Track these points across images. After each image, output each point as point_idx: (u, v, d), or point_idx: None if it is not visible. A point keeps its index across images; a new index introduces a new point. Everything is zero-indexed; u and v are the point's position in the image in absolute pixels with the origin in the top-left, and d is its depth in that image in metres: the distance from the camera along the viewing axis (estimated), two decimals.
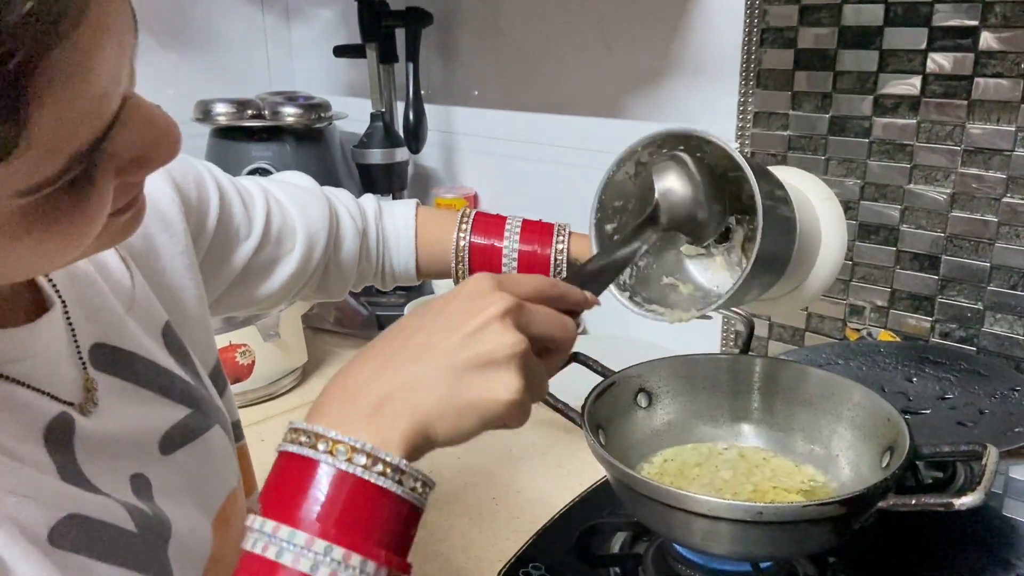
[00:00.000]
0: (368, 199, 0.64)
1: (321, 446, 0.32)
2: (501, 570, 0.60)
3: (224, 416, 0.48)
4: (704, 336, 0.96)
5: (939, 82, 0.76)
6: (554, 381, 0.55)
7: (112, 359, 0.40)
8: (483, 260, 0.60)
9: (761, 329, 0.93)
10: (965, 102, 0.75)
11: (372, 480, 0.32)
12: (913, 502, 0.43)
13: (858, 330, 0.85)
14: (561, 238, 0.61)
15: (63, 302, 0.38)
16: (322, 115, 1.20)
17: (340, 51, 1.20)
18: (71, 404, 0.36)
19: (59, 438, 0.35)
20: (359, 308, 1.14)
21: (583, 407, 0.53)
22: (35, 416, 0.34)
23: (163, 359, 0.43)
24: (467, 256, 0.60)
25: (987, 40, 0.72)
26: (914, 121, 0.78)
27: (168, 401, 0.42)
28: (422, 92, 1.16)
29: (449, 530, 0.71)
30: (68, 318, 0.38)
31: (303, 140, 1.19)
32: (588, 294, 0.43)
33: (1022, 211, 0.74)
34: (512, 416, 0.35)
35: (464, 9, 1.18)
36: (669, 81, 0.96)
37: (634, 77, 1.00)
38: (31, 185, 0.25)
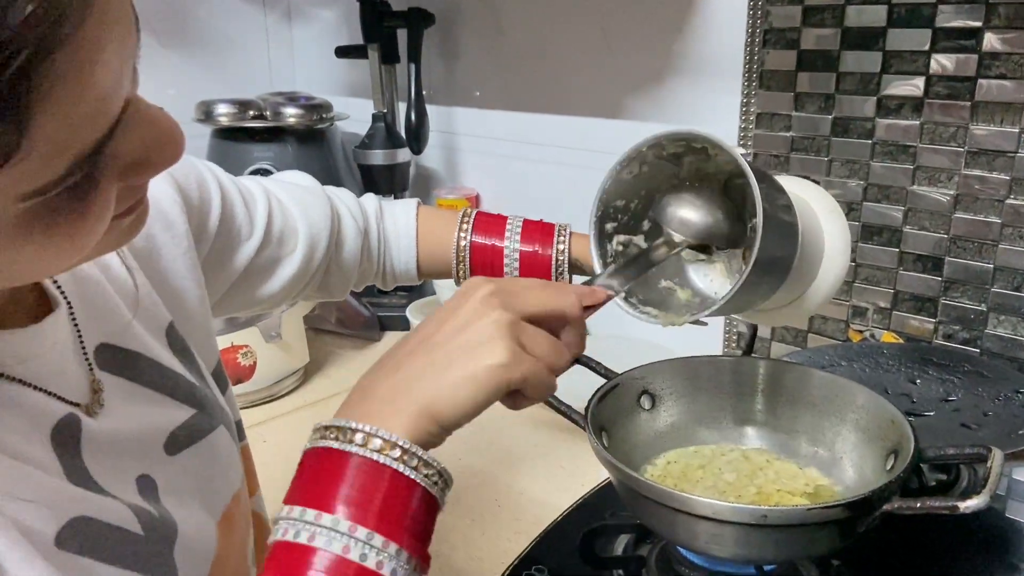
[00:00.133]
0: (369, 199, 0.64)
1: (341, 436, 0.34)
2: (504, 572, 0.60)
3: (228, 416, 0.48)
4: (707, 338, 0.96)
5: (942, 83, 0.76)
6: (558, 382, 0.56)
7: (118, 360, 0.40)
8: (484, 260, 0.60)
9: (764, 330, 0.93)
10: (968, 103, 0.74)
11: (389, 464, 0.34)
12: (918, 505, 0.43)
13: (861, 332, 0.85)
14: (562, 238, 0.61)
15: (68, 303, 0.38)
16: (324, 116, 1.20)
17: (342, 52, 1.20)
18: (78, 405, 0.36)
19: (66, 439, 0.35)
20: (361, 309, 1.14)
21: (586, 409, 0.53)
22: (42, 417, 0.34)
23: (167, 360, 0.43)
24: (468, 256, 0.60)
25: (990, 41, 0.72)
26: (917, 122, 0.78)
27: (173, 402, 0.42)
28: (423, 92, 1.16)
29: (451, 531, 0.71)
30: (74, 319, 0.38)
31: (305, 141, 1.19)
32: (595, 288, 0.45)
33: None
34: (514, 379, 0.36)
35: (466, 9, 1.18)
36: (671, 82, 0.96)
37: (636, 78, 1.00)
38: (34, 188, 0.25)
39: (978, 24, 0.72)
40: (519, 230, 0.61)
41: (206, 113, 1.16)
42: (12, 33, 0.22)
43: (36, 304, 0.37)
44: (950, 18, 0.74)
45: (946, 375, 0.70)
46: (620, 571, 0.58)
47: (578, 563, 0.58)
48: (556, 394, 0.54)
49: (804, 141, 0.85)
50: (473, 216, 0.61)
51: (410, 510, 0.34)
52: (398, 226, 0.62)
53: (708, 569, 0.53)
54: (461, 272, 0.61)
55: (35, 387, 0.34)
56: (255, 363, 0.94)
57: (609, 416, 0.55)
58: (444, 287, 1.10)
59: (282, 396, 0.99)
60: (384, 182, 1.17)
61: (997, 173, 0.74)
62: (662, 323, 0.49)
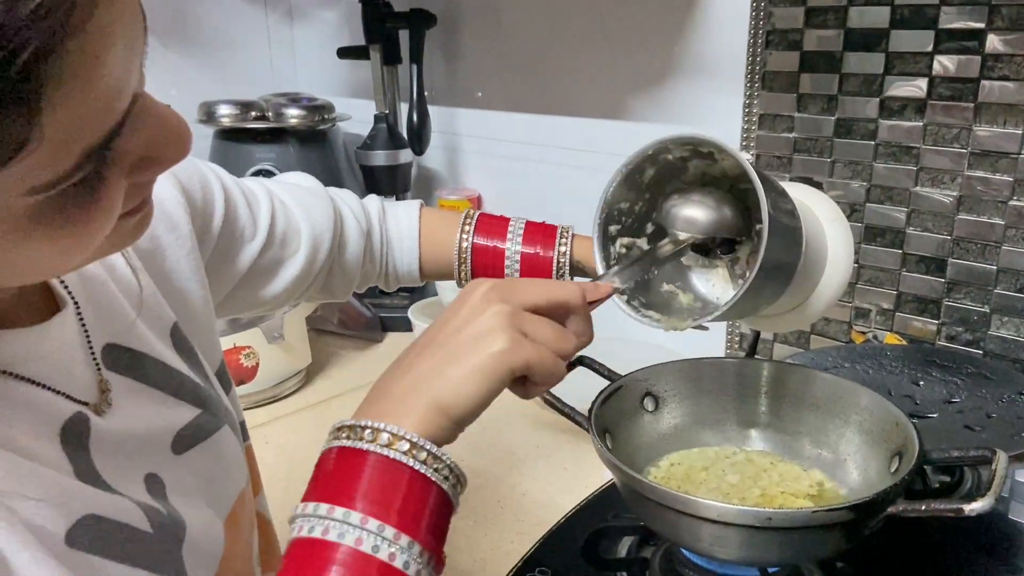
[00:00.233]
0: (372, 200, 0.64)
1: (351, 434, 0.35)
2: (508, 573, 0.60)
3: (232, 417, 0.48)
4: (709, 340, 0.96)
5: (945, 85, 0.75)
6: (560, 385, 0.56)
7: (124, 360, 0.40)
8: (486, 262, 0.60)
9: (766, 332, 0.93)
10: (972, 105, 0.74)
11: (399, 459, 0.34)
12: (923, 508, 0.43)
13: (864, 333, 0.85)
14: (564, 240, 0.61)
15: (75, 303, 0.38)
16: (325, 117, 1.20)
17: (344, 53, 1.20)
18: (86, 404, 0.36)
19: (75, 438, 0.35)
20: (363, 310, 1.14)
21: (590, 411, 0.53)
22: (51, 416, 0.34)
23: (173, 360, 0.43)
24: (469, 257, 0.60)
25: (993, 43, 0.72)
26: (920, 124, 0.78)
27: (179, 402, 0.43)
28: (425, 93, 1.16)
29: (453, 532, 0.70)
30: (81, 319, 0.38)
31: (307, 142, 1.20)
32: (599, 283, 0.46)
33: None
34: (518, 365, 0.37)
35: (467, 10, 1.18)
36: (673, 83, 0.96)
37: (638, 79, 1.00)
38: (43, 182, 0.25)
39: (981, 25, 0.72)
40: (521, 232, 0.61)
41: (208, 114, 1.16)
42: (21, 24, 0.22)
43: (44, 304, 0.37)
44: (953, 19, 0.74)
45: (949, 377, 0.70)
46: (624, 573, 0.58)
47: (582, 565, 0.58)
48: (560, 396, 0.55)
49: (807, 142, 0.85)
50: (475, 218, 0.61)
51: (422, 505, 0.34)
52: (401, 227, 0.62)
53: (712, 571, 0.53)
54: (463, 273, 0.61)
55: (44, 386, 0.34)
56: (258, 364, 0.94)
57: (612, 418, 0.55)
58: (446, 288, 1.10)
59: (284, 397, 0.99)
60: (386, 183, 1.17)
61: (1000, 174, 0.74)
62: (665, 327, 0.49)
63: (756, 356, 0.64)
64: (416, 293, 1.17)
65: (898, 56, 0.77)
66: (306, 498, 0.35)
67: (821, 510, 0.42)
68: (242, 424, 0.51)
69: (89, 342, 0.38)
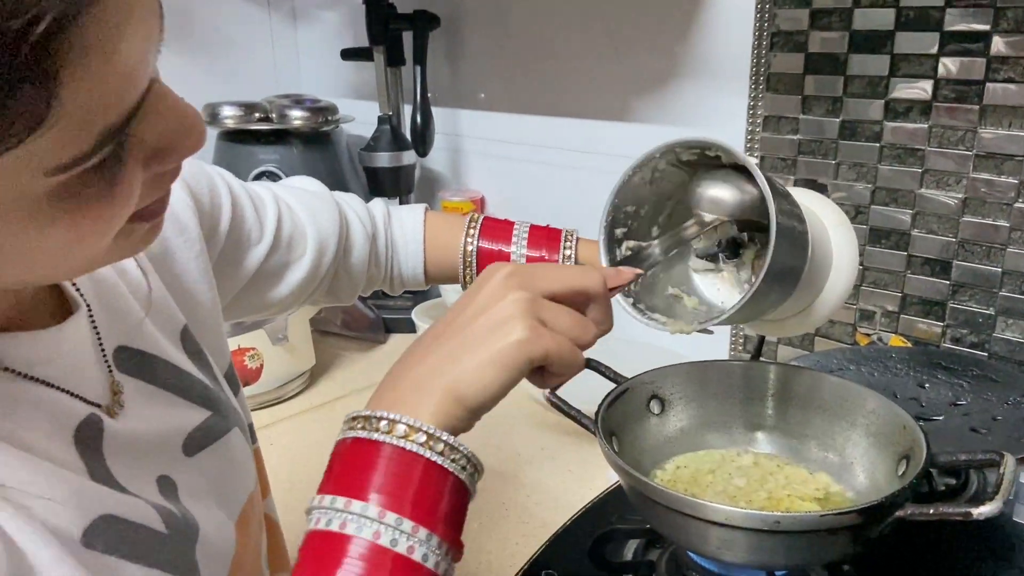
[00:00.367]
0: (377, 204, 0.64)
1: (367, 425, 0.35)
2: (515, 575, 0.60)
3: (241, 419, 0.48)
4: (713, 342, 0.96)
5: (950, 87, 0.75)
6: (566, 387, 0.56)
7: (136, 362, 0.40)
8: (490, 265, 0.60)
9: (771, 336, 0.93)
10: (976, 107, 0.74)
11: (414, 450, 0.34)
12: (931, 512, 0.43)
13: (868, 335, 0.85)
14: (568, 244, 0.61)
15: (87, 305, 0.38)
16: (329, 118, 1.20)
17: (347, 54, 1.20)
18: (99, 406, 0.36)
19: (88, 439, 0.35)
20: (366, 311, 1.14)
21: (597, 414, 0.53)
22: (65, 417, 0.34)
23: (183, 362, 0.44)
24: (474, 261, 0.60)
25: (998, 45, 0.72)
26: (925, 125, 0.78)
27: (189, 404, 0.43)
28: (429, 95, 1.16)
29: None
30: (93, 321, 0.38)
31: (310, 143, 1.20)
32: (621, 268, 0.46)
33: None
34: (537, 355, 0.36)
35: (471, 12, 1.18)
36: (678, 84, 0.96)
37: (642, 80, 1.00)
38: (62, 162, 0.25)
39: (986, 28, 0.72)
40: (525, 235, 0.61)
41: (212, 115, 1.16)
42: None
43: (57, 307, 0.37)
44: (958, 22, 0.74)
45: (955, 379, 0.70)
46: None
47: (588, 567, 0.58)
48: (566, 398, 0.55)
49: (811, 144, 0.85)
50: (480, 221, 0.61)
51: (439, 496, 0.34)
52: (405, 231, 0.62)
53: (719, 574, 0.53)
54: (468, 277, 0.61)
55: (58, 388, 0.35)
56: (262, 365, 0.94)
57: (619, 421, 0.55)
58: (450, 290, 1.10)
59: (288, 399, 0.99)
60: (389, 184, 1.17)
61: (1005, 177, 0.74)
62: (670, 330, 0.49)
63: (761, 359, 0.64)
64: (420, 295, 1.17)
65: (903, 58, 0.78)
66: (322, 490, 0.34)
67: (830, 514, 0.42)
68: (250, 426, 0.51)
69: (101, 344, 0.38)
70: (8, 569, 0.28)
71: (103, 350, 0.38)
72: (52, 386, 0.34)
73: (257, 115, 1.17)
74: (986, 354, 0.78)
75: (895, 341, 0.82)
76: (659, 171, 0.51)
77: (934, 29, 0.75)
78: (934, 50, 0.75)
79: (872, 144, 0.81)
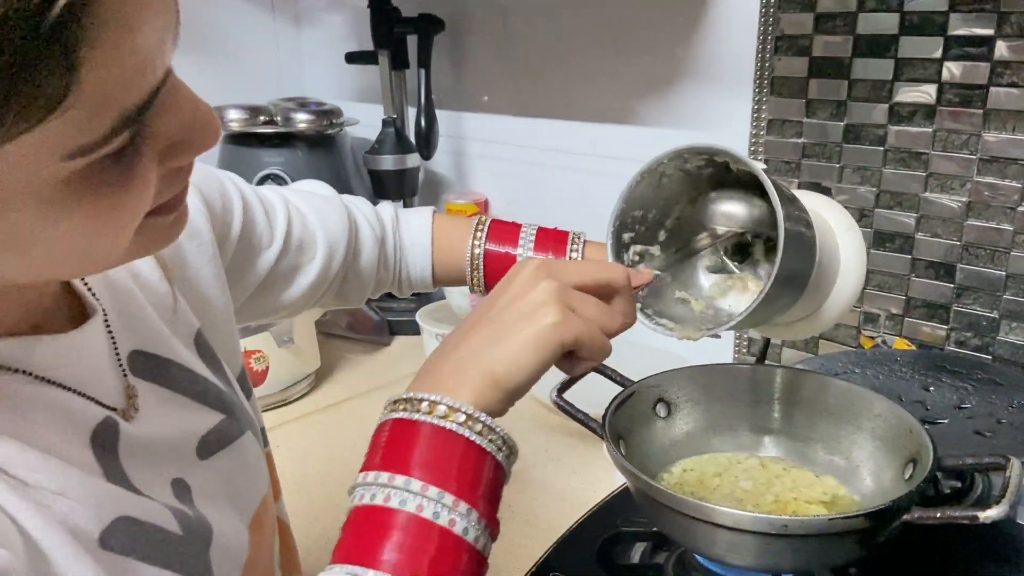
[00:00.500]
0: (386, 207, 0.64)
1: (407, 407, 0.36)
2: None
3: (254, 421, 0.48)
4: (718, 345, 0.96)
5: (954, 91, 0.76)
6: (572, 390, 0.56)
7: (150, 366, 0.41)
8: (498, 268, 0.60)
9: (776, 339, 0.93)
10: (980, 111, 0.75)
11: (454, 429, 0.35)
12: (938, 515, 0.43)
13: (873, 338, 0.85)
14: (575, 246, 0.61)
15: (103, 310, 0.38)
16: (333, 121, 1.21)
17: (352, 57, 1.21)
18: (115, 409, 0.37)
19: (105, 442, 0.35)
20: (370, 313, 1.14)
21: (604, 417, 0.53)
22: (82, 420, 0.35)
23: (197, 366, 0.44)
24: (482, 264, 0.61)
25: (1002, 49, 0.72)
26: (929, 129, 0.78)
27: (203, 407, 0.43)
28: (433, 98, 1.16)
29: None
30: (108, 326, 0.38)
31: (315, 146, 1.20)
32: (642, 270, 0.47)
33: None
34: (569, 339, 0.38)
35: (475, 15, 1.18)
36: (682, 88, 0.96)
37: (646, 83, 1.00)
38: (79, 146, 0.26)
39: (990, 32, 0.73)
40: (533, 238, 0.61)
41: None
42: None
43: (73, 311, 0.37)
44: (962, 26, 0.74)
45: (959, 382, 0.70)
46: None
47: (596, 570, 0.58)
48: (573, 402, 0.55)
49: (815, 147, 0.86)
50: (487, 224, 0.62)
51: (478, 474, 0.35)
52: (413, 234, 0.62)
53: None
54: (475, 280, 0.61)
55: (75, 391, 0.35)
56: (267, 368, 0.95)
57: (625, 424, 0.55)
58: (454, 292, 1.11)
59: (294, 401, 1.00)
60: (393, 187, 1.18)
61: (1009, 180, 0.75)
62: (678, 336, 0.50)
63: (765, 362, 0.64)
64: (424, 297, 1.18)
65: (907, 62, 0.78)
66: (365, 468, 0.35)
67: (838, 517, 0.43)
68: (262, 429, 0.52)
69: (116, 349, 0.39)
70: (27, 565, 0.28)
71: (118, 355, 0.39)
72: (69, 389, 0.35)
73: (262, 118, 1.17)
74: (990, 357, 0.78)
75: (899, 344, 0.83)
76: (667, 176, 0.52)
77: (938, 33, 0.75)
78: (938, 54, 0.76)
79: (876, 148, 0.82)
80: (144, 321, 0.41)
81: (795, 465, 0.57)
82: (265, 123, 1.17)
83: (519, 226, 0.62)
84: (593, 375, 0.58)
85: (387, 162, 1.16)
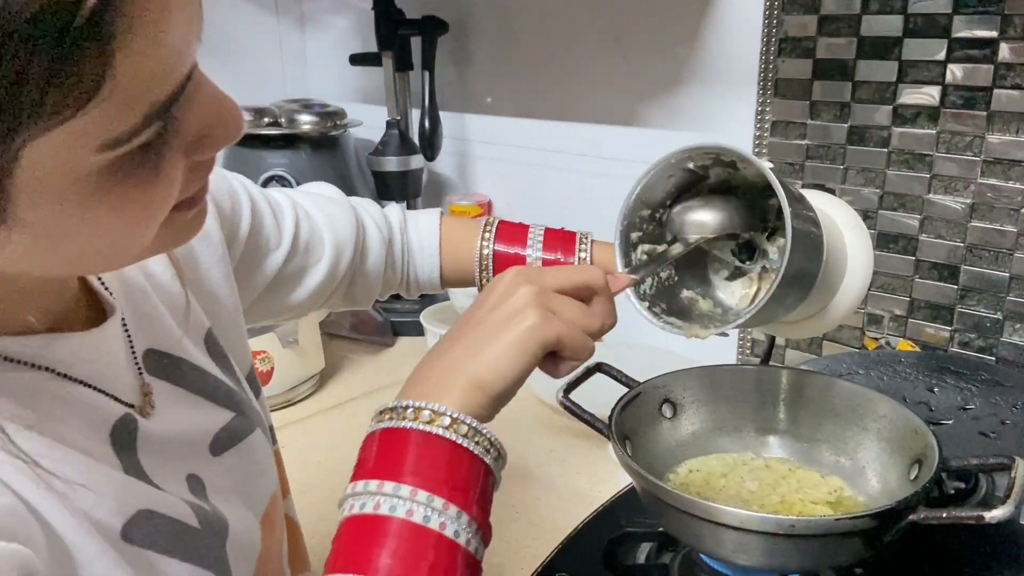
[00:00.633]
0: (393, 209, 0.64)
1: (393, 415, 0.37)
2: None
3: (263, 420, 0.49)
4: (722, 346, 0.96)
5: (958, 93, 0.76)
6: (578, 391, 0.56)
7: (163, 365, 0.41)
8: (506, 268, 0.61)
9: (779, 339, 0.93)
10: (984, 113, 0.75)
11: (436, 432, 0.35)
12: (944, 515, 0.44)
13: (876, 339, 0.85)
14: (584, 246, 0.61)
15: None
16: (338, 123, 1.21)
17: (356, 59, 1.21)
18: (132, 406, 0.37)
19: (124, 438, 0.36)
20: (374, 314, 1.15)
21: (610, 417, 0.53)
22: (102, 416, 0.35)
23: (208, 365, 0.45)
24: (490, 264, 0.61)
25: (1005, 52, 0.73)
26: (933, 131, 0.78)
27: (215, 405, 0.44)
28: (437, 100, 1.16)
29: None
30: (124, 325, 0.39)
31: (319, 147, 1.20)
32: (621, 275, 0.47)
33: None
34: (549, 339, 0.38)
35: (479, 17, 1.18)
36: (685, 89, 0.97)
37: (650, 85, 1.00)
38: (112, 138, 0.26)
39: (993, 35, 0.73)
40: (541, 238, 0.61)
41: None
42: None
43: (92, 311, 0.38)
44: (965, 28, 0.74)
45: (963, 383, 0.70)
46: None
47: (602, 570, 0.58)
48: (579, 402, 0.55)
49: (819, 149, 0.86)
50: (495, 225, 0.62)
51: (467, 478, 0.36)
52: (421, 236, 0.63)
53: None
54: (484, 281, 0.62)
55: (95, 388, 0.36)
56: (272, 368, 0.95)
57: (632, 425, 0.55)
58: (458, 293, 1.11)
59: (298, 401, 1.00)
60: (397, 188, 1.18)
61: (1013, 182, 0.75)
62: (686, 335, 0.50)
63: (770, 363, 0.65)
64: (428, 298, 1.18)
65: (911, 64, 0.78)
66: (354, 478, 0.36)
67: (844, 518, 0.43)
68: (271, 428, 0.52)
69: (132, 348, 0.39)
70: (49, 560, 0.29)
71: (134, 353, 0.39)
72: (90, 386, 0.35)
73: (266, 120, 1.18)
74: (994, 358, 0.78)
75: (903, 345, 0.83)
76: (674, 176, 0.52)
77: (942, 36, 0.76)
78: (942, 56, 0.76)
79: (880, 149, 0.82)
80: (157, 320, 0.42)
81: (801, 466, 0.58)
82: (269, 124, 1.17)
83: (527, 227, 0.62)
84: (599, 376, 0.59)
85: (391, 163, 1.16)
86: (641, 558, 0.60)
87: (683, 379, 0.59)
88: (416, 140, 1.18)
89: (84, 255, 0.30)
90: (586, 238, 0.62)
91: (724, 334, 0.50)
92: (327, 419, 0.97)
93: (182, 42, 0.27)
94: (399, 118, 1.17)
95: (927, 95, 0.78)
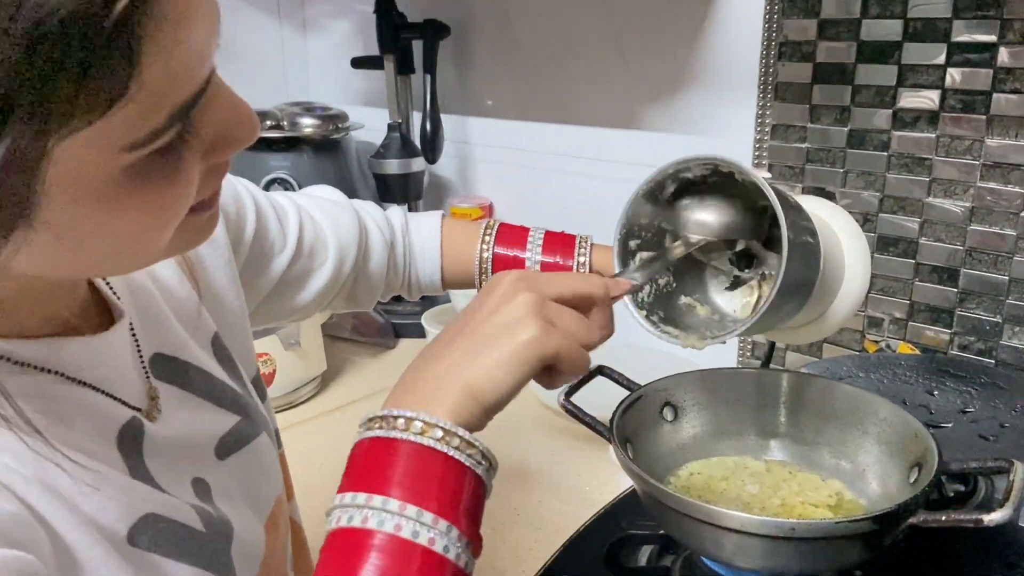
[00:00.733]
0: (396, 212, 0.65)
1: (383, 424, 0.35)
2: None
3: (268, 423, 0.49)
4: (723, 348, 0.96)
5: (957, 97, 0.76)
6: (579, 394, 0.56)
7: (170, 369, 0.42)
8: (505, 270, 0.61)
9: (781, 343, 0.93)
10: (984, 117, 0.75)
11: (431, 445, 0.34)
12: (943, 518, 0.44)
13: (877, 342, 0.86)
14: (583, 250, 0.61)
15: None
16: (339, 126, 1.22)
17: (358, 63, 1.22)
18: (139, 410, 0.38)
19: (130, 442, 0.36)
20: (376, 316, 1.15)
21: (611, 420, 0.54)
22: (109, 420, 0.36)
23: (214, 369, 0.45)
24: (490, 267, 0.61)
25: (1004, 56, 0.73)
26: (933, 135, 0.78)
27: (221, 409, 0.44)
28: (438, 103, 1.17)
29: None
30: (132, 330, 0.39)
31: (320, 150, 1.21)
32: (619, 280, 0.46)
33: None
34: (547, 354, 0.37)
35: (480, 21, 1.19)
36: (686, 93, 0.97)
37: (650, 89, 1.01)
38: (135, 140, 0.27)
39: (992, 39, 0.73)
40: (540, 241, 0.62)
41: None
42: None
43: (100, 315, 0.38)
44: (965, 33, 0.75)
45: (963, 386, 0.71)
46: None
47: (602, 573, 0.59)
48: (580, 405, 0.56)
49: (819, 153, 0.86)
50: (496, 228, 0.62)
51: (458, 490, 0.35)
52: (423, 238, 0.63)
53: None
54: (483, 282, 0.62)
55: (103, 392, 0.36)
56: (274, 371, 0.95)
57: (633, 428, 0.56)
58: (459, 295, 1.11)
59: (300, 403, 1.00)
60: (399, 191, 1.19)
61: (1012, 186, 0.75)
62: (683, 345, 0.50)
63: (771, 366, 0.65)
64: (429, 300, 1.18)
65: (910, 68, 0.78)
66: (342, 489, 0.35)
67: (844, 521, 0.43)
68: (276, 431, 0.52)
69: (139, 352, 0.40)
70: (54, 563, 0.29)
71: (141, 357, 0.40)
72: (97, 390, 0.36)
73: (268, 123, 1.18)
74: (993, 361, 0.79)
75: (903, 348, 0.83)
76: (672, 185, 0.52)
77: (941, 40, 0.76)
78: (941, 60, 0.76)
79: (880, 153, 0.82)
80: (164, 324, 0.42)
81: (801, 469, 0.58)
82: (271, 127, 1.18)
83: (527, 230, 0.63)
84: (600, 379, 0.59)
85: (392, 166, 1.17)
86: (642, 561, 0.60)
87: (684, 382, 0.59)
88: (417, 143, 1.18)
89: (101, 257, 0.31)
90: (585, 242, 0.62)
91: (720, 342, 0.50)
92: (329, 421, 0.97)
93: (203, 43, 0.28)
94: (400, 121, 1.18)
95: (927, 99, 0.78)
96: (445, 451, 0.35)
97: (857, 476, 0.55)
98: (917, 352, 0.82)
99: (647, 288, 0.53)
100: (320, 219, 0.58)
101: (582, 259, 0.61)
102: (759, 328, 0.50)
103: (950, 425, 0.65)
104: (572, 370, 0.39)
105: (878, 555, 0.47)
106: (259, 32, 1.40)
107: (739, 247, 0.55)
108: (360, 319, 1.15)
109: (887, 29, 0.79)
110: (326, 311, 0.62)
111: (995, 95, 0.74)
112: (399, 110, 1.18)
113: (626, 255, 0.54)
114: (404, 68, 1.18)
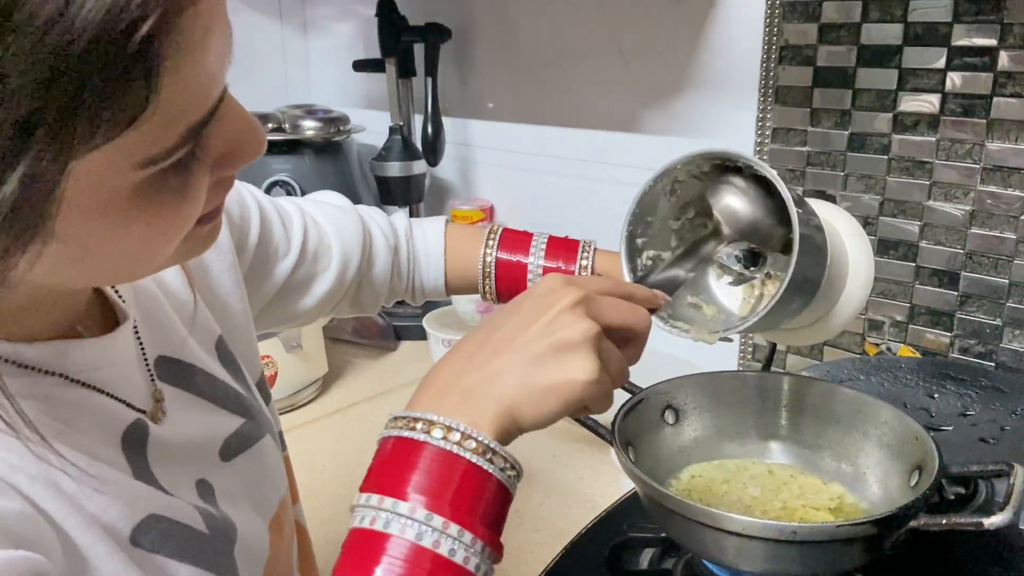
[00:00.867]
0: (400, 217, 0.65)
1: (419, 427, 0.35)
2: None
3: (272, 426, 0.49)
4: (723, 351, 0.97)
5: (957, 101, 0.77)
6: None
7: (174, 371, 0.42)
8: (509, 276, 0.61)
9: (780, 344, 0.94)
10: (984, 121, 0.75)
11: (466, 456, 0.34)
12: (944, 522, 0.44)
13: (877, 345, 0.86)
14: (586, 254, 0.62)
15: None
16: (341, 128, 1.22)
17: (359, 66, 1.22)
18: (143, 412, 0.38)
19: (134, 444, 0.36)
20: (377, 319, 1.15)
21: (613, 424, 0.54)
22: (114, 421, 0.36)
23: (218, 371, 0.45)
24: (493, 272, 0.61)
25: (1004, 60, 0.73)
26: (933, 139, 0.79)
27: (225, 411, 0.44)
28: (440, 106, 1.17)
29: None
30: (136, 332, 0.40)
31: (322, 153, 1.21)
32: (656, 291, 0.46)
33: None
34: (592, 397, 0.37)
35: (481, 24, 1.19)
36: (687, 96, 0.97)
37: (651, 91, 1.01)
38: (150, 156, 0.27)
39: (993, 43, 0.74)
40: (543, 246, 0.62)
41: None
42: None
43: (105, 317, 0.39)
44: (965, 37, 0.75)
45: (963, 389, 0.71)
46: None
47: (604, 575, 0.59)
48: None
49: (820, 156, 0.87)
50: (499, 233, 0.63)
51: (485, 500, 0.35)
52: (427, 244, 0.63)
53: None
54: (487, 288, 0.62)
55: (108, 394, 0.36)
56: (276, 373, 0.96)
57: (634, 430, 0.56)
58: (460, 298, 1.11)
59: (302, 406, 1.00)
60: (400, 194, 1.19)
61: (1012, 189, 0.75)
62: (693, 338, 0.50)
63: (772, 369, 0.65)
64: (430, 302, 1.18)
65: (911, 72, 0.79)
66: (365, 487, 0.35)
67: (845, 524, 0.43)
68: (280, 434, 0.53)
69: (144, 354, 0.40)
70: (63, 562, 0.29)
71: (146, 359, 0.40)
72: (102, 392, 0.36)
73: (270, 125, 1.18)
74: (993, 364, 0.79)
75: (904, 351, 0.83)
76: (679, 182, 0.53)
77: (941, 44, 0.76)
78: (941, 64, 0.77)
79: (880, 156, 0.82)
80: (168, 327, 0.42)
81: (803, 472, 0.58)
82: (273, 130, 1.18)
83: (530, 235, 0.63)
84: None
85: (394, 169, 1.17)
86: (644, 563, 0.60)
87: (685, 385, 0.60)
88: (419, 146, 1.18)
89: (109, 268, 0.31)
90: (588, 246, 0.62)
91: (728, 339, 0.51)
92: (330, 423, 0.97)
93: (218, 65, 0.28)
94: (402, 124, 1.18)
95: (927, 103, 0.78)
96: (479, 463, 0.34)
97: (858, 479, 0.56)
98: (917, 355, 0.82)
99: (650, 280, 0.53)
100: (324, 224, 0.59)
101: (585, 263, 0.61)
102: (766, 324, 0.50)
103: (950, 428, 0.65)
104: (599, 409, 0.39)
105: (879, 558, 0.47)
106: (260, 34, 1.40)
107: (750, 246, 0.55)
108: (361, 321, 1.16)
109: (887, 33, 0.79)
110: (330, 316, 0.63)
111: (995, 99, 0.74)
112: (400, 113, 1.19)
113: (633, 253, 0.54)
114: (405, 71, 1.18)
